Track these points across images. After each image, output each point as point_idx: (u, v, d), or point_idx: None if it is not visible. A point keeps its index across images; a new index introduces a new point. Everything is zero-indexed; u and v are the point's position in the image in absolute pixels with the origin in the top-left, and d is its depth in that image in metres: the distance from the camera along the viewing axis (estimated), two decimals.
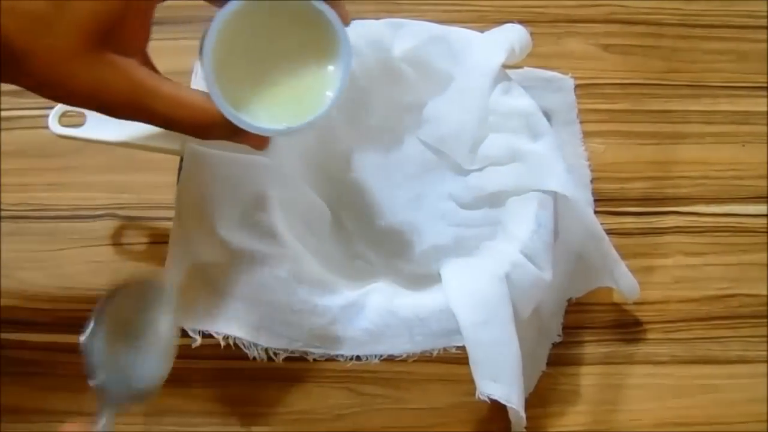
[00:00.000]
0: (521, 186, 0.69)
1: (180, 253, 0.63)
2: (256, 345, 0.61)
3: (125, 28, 0.49)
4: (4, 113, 0.85)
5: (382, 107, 0.75)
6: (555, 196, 0.68)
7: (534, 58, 0.77)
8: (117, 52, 0.49)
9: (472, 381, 0.61)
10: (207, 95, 0.51)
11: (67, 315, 0.76)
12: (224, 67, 0.51)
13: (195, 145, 0.64)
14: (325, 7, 0.52)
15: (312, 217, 0.70)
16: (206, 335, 0.61)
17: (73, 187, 0.82)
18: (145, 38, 0.53)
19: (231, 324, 0.61)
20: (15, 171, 0.83)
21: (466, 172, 0.74)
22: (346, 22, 0.53)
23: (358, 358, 0.62)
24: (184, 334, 0.61)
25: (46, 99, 0.51)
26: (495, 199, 0.71)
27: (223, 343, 0.62)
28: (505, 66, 0.72)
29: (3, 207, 0.81)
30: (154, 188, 0.81)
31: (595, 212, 0.76)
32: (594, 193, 0.82)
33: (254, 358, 0.62)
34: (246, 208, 0.63)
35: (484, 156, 0.72)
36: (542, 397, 0.73)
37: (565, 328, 0.76)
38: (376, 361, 0.62)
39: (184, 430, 0.73)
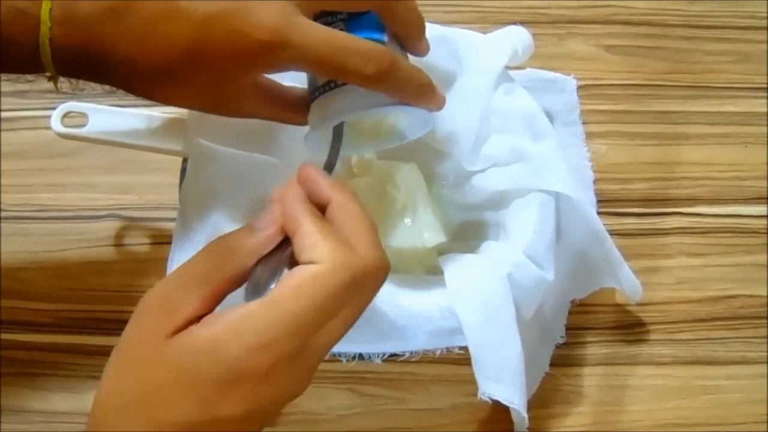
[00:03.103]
0: (523, 187, 0.69)
1: (183, 250, 0.63)
2: None
3: None
4: (6, 114, 0.85)
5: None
6: (557, 196, 0.68)
7: (536, 59, 0.77)
8: None
9: (474, 382, 0.61)
10: None
11: (69, 316, 0.76)
12: None
13: (202, 142, 0.64)
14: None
15: None
16: None
17: (75, 187, 0.82)
18: None
19: None
20: (17, 172, 0.83)
21: (468, 173, 0.74)
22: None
23: (360, 357, 0.62)
24: None
25: None
26: (497, 200, 0.71)
27: None
28: (507, 67, 0.72)
29: (5, 208, 0.81)
30: (156, 189, 0.81)
31: (598, 213, 0.76)
32: (596, 194, 0.81)
33: None
34: (251, 206, 0.63)
35: (487, 157, 0.72)
36: (545, 398, 0.73)
37: (568, 329, 0.76)
38: (379, 361, 0.62)
39: None
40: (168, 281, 0.48)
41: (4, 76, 0.61)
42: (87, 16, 0.54)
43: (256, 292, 0.47)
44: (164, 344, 0.44)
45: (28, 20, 0.53)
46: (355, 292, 0.47)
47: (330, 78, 0.57)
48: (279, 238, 0.50)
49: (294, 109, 0.61)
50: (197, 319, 0.45)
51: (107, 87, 0.59)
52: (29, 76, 0.59)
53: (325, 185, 0.51)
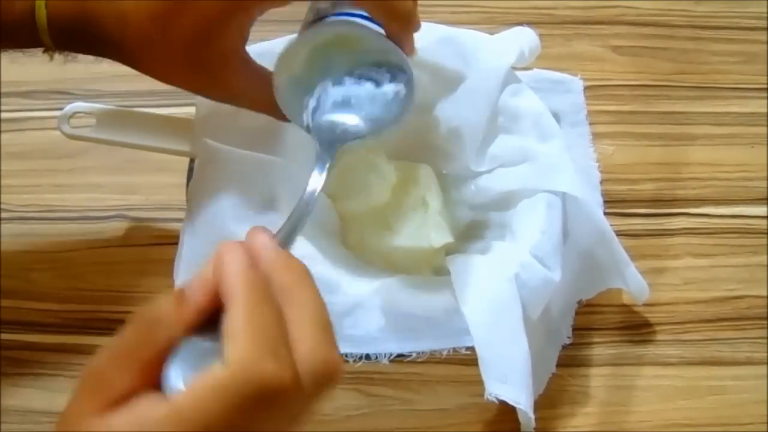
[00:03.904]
0: (530, 187, 0.69)
1: (190, 251, 0.63)
2: None
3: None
4: (13, 114, 0.86)
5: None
6: (564, 197, 0.68)
7: (543, 59, 0.77)
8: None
9: (481, 382, 0.61)
10: None
11: (77, 316, 0.76)
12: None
13: (209, 142, 0.64)
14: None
15: (321, 217, 0.70)
16: None
17: (82, 188, 0.82)
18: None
19: None
20: (24, 172, 0.83)
21: (475, 174, 0.74)
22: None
23: (367, 357, 0.62)
24: None
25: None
26: (504, 201, 0.71)
27: None
28: (514, 68, 0.72)
29: (12, 208, 0.81)
30: (163, 189, 0.81)
31: (605, 214, 0.76)
32: (603, 194, 0.81)
33: None
34: (258, 206, 0.63)
35: (493, 157, 0.72)
36: (551, 399, 0.73)
37: (575, 329, 0.76)
38: (386, 361, 0.62)
39: None
40: (101, 356, 0.43)
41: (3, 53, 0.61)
42: None
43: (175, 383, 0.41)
44: (94, 421, 0.40)
45: None
46: (269, 414, 0.40)
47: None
48: (211, 308, 0.43)
49: None
50: (134, 394, 0.41)
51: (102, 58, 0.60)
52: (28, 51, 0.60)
53: (267, 257, 0.45)
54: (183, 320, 0.42)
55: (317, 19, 0.59)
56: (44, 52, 0.59)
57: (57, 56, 0.60)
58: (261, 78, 0.61)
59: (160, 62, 0.59)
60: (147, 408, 0.40)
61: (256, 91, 0.61)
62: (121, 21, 0.56)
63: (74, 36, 0.57)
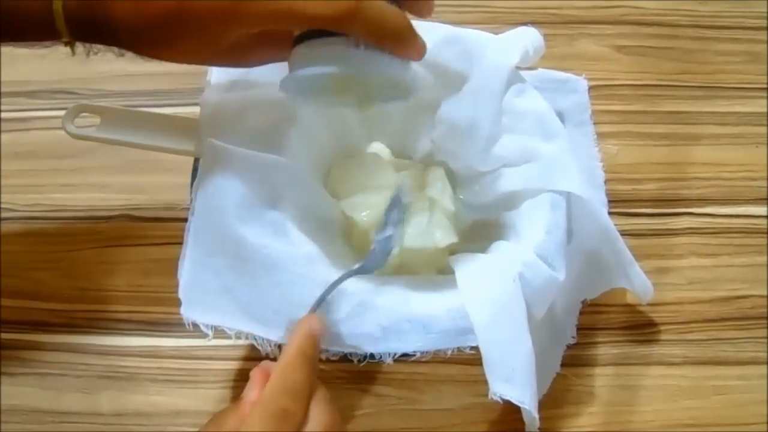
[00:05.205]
0: (535, 187, 0.69)
1: (195, 250, 0.63)
2: (269, 341, 0.62)
3: None
4: (18, 114, 0.86)
5: (397, 108, 0.75)
6: (568, 197, 0.68)
7: (547, 59, 0.77)
8: None
9: (485, 382, 0.61)
10: None
11: (82, 316, 0.76)
12: None
13: (214, 142, 0.64)
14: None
15: (325, 216, 0.70)
16: (218, 332, 0.61)
17: (87, 188, 0.83)
18: None
19: (244, 320, 0.62)
20: (28, 172, 0.83)
21: (479, 173, 0.74)
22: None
23: (371, 357, 0.62)
24: (196, 331, 0.61)
25: None
26: (509, 200, 0.71)
27: (234, 339, 0.62)
28: (518, 68, 0.72)
29: (17, 208, 0.81)
30: (167, 189, 0.82)
31: (609, 213, 0.76)
32: (607, 194, 0.81)
33: (267, 355, 0.62)
34: (263, 206, 0.63)
35: (498, 157, 0.72)
36: (556, 398, 0.73)
37: (579, 329, 0.76)
38: (390, 361, 0.62)
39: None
40: None
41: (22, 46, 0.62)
42: None
43: None
44: None
45: None
46: None
47: (296, 26, 0.58)
48: None
49: None
50: None
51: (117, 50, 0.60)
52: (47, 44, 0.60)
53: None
54: None
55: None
56: (66, 45, 0.59)
57: (80, 50, 0.60)
58: (278, 49, 0.62)
59: (177, 50, 0.59)
60: None
61: (279, 54, 0.62)
62: (137, 9, 0.56)
63: (92, 27, 0.58)
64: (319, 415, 0.53)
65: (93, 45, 0.60)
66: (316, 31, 0.57)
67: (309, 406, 0.53)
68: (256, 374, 0.55)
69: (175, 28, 0.56)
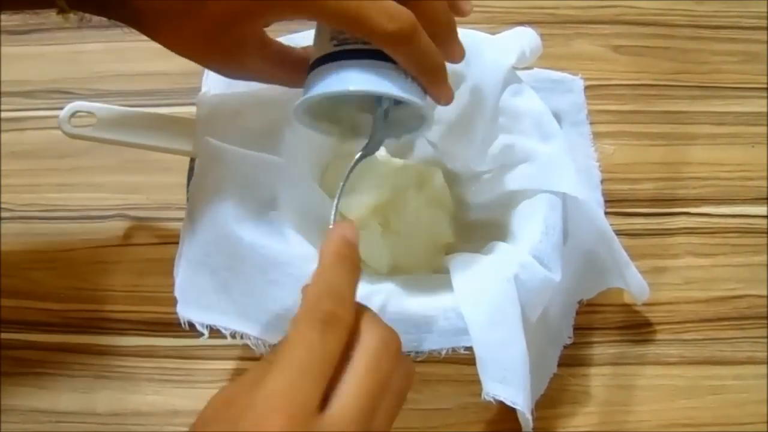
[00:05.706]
0: (531, 187, 0.69)
1: (190, 250, 0.63)
2: (264, 342, 0.62)
3: None
4: (13, 113, 0.86)
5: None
6: (564, 197, 0.68)
7: (544, 59, 0.77)
8: None
9: (480, 382, 0.61)
10: None
11: (77, 315, 0.76)
12: None
13: (210, 141, 0.64)
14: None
15: (321, 216, 0.70)
16: (214, 332, 0.61)
17: (83, 187, 0.83)
18: None
19: (239, 320, 0.62)
20: (25, 172, 0.83)
21: (475, 174, 0.74)
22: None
23: None
24: (192, 331, 0.61)
25: None
26: (504, 201, 0.71)
27: (230, 340, 0.62)
28: (515, 68, 0.72)
29: (13, 208, 0.81)
30: (164, 189, 0.82)
31: (605, 213, 0.76)
32: (604, 194, 0.81)
33: (262, 356, 0.62)
34: (259, 205, 0.63)
35: (494, 157, 0.72)
36: (552, 398, 0.73)
37: (575, 329, 0.76)
38: None
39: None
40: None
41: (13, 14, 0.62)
42: None
43: None
44: None
45: None
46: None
47: (344, 29, 0.55)
48: None
49: (301, 70, 0.59)
50: None
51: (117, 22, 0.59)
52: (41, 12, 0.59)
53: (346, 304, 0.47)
54: None
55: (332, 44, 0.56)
56: (58, 13, 0.58)
57: (72, 18, 0.59)
58: (280, 59, 0.61)
59: (178, 37, 0.58)
60: None
61: (273, 72, 0.61)
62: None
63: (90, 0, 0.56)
64: (371, 330, 0.47)
65: (85, 14, 0.58)
66: (338, 54, 0.55)
67: (358, 317, 0.47)
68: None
69: (186, 10, 0.55)
